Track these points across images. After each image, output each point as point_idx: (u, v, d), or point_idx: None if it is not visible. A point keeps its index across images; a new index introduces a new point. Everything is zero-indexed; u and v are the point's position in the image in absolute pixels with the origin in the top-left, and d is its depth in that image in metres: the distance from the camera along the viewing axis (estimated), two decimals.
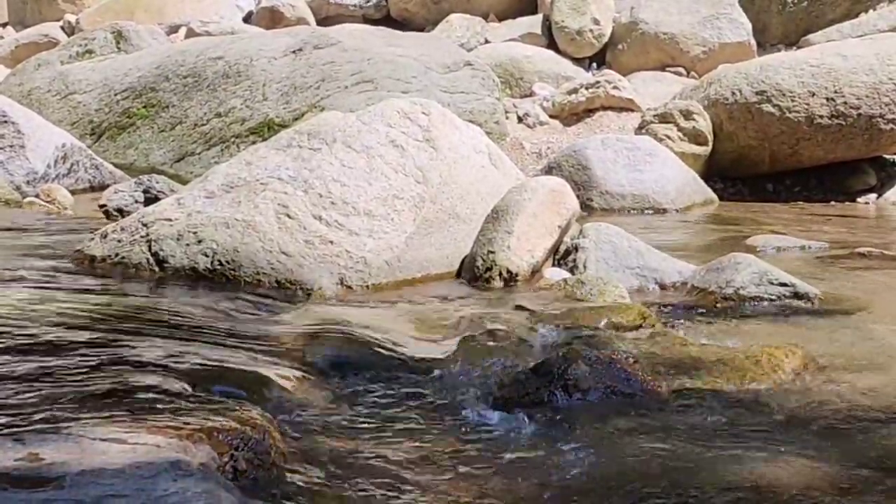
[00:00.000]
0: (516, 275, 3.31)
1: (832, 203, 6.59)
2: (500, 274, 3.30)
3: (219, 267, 3.20)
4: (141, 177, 4.85)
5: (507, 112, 7.57)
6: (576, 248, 3.59)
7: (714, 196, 6.43)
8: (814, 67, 6.62)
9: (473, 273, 3.35)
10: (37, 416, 1.74)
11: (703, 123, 6.78)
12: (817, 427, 2.09)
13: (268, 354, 2.38)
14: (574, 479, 1.82)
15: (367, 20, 10.62)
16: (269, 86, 7.05)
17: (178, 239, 3.30)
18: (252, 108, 6.96)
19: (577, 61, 8.97)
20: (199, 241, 3.26)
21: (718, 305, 3.18)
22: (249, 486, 1.63)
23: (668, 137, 6.73)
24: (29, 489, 1.43)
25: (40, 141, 5.38)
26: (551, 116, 7.72)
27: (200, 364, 2.19)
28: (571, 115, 7.72)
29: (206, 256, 3.23)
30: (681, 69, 8.84)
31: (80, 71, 7.86)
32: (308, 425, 2.01)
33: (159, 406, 1.85)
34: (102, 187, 5.17)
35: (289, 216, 3.30)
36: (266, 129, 6.63)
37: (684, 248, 4.39)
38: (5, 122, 5.31)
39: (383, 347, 2.54)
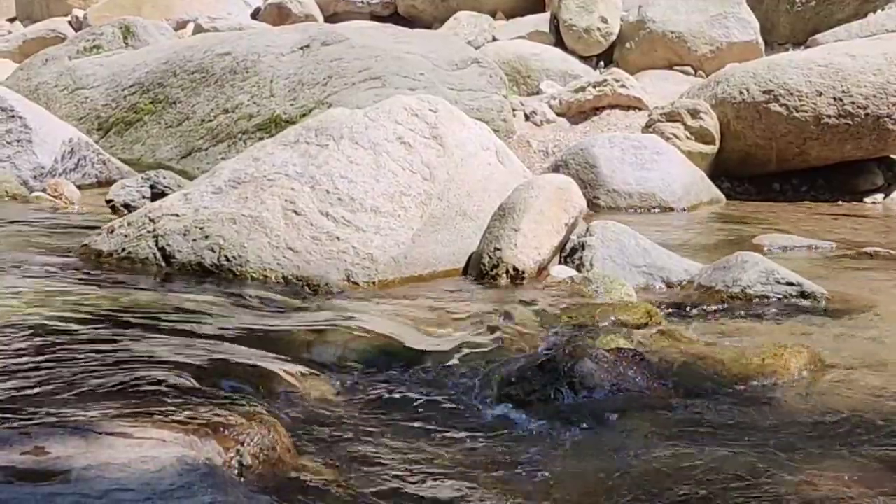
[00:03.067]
0: (523, 272, 3.30)
1: (839, 203, 6.57)
2: (507, 271, 3.29)
3: (225, 262, 3.20)
4: (148, 172, 4.86)
5: (514, 110, 7.56)
6: (582, 246, 3.59)
7: (721, 195, 6.41)
8: (821, 67, 6.60)
9: (480, 270, 3.34)
10: (43, 411, 1.74)
11: (711, 122, 6.76)
12: (823, 426, 2.09)
13: (274, 350, 2.38)
14: (577, 476, 1.82)
15: (374, 17, 10.63)
16: (277, 82, 7.06)
17: (184, 234, 3.30)
18: (259, 105, 6.97)
19: (585, 59, 8.95)
20: (206, 237, 3.27)
21: (725, 304, 3.18)
22: (255, 480, 1.63)
23: (676, 136, 6.72)
24: (35, 483, 1.43)
25: (47, 136, 5.39)
26: (558, 114, 7.71)
27: (206, 359, 2.20)
28: (579, 113, 7.71)
29: (213, 252, 3.23)
30: (688, 68, 8.82)
31: (88, 66, 7.87)
32: (313, 421, 2.01)
33: (165, 401, 1.86)
34: (109, 182, 5.18)
35: (296, 212, 3.30)
36: (273, 126, 6.63)
37: (691, 246, 4.39)
38: (13, 116, 5.32)
39: (389, 344, 2.55)
